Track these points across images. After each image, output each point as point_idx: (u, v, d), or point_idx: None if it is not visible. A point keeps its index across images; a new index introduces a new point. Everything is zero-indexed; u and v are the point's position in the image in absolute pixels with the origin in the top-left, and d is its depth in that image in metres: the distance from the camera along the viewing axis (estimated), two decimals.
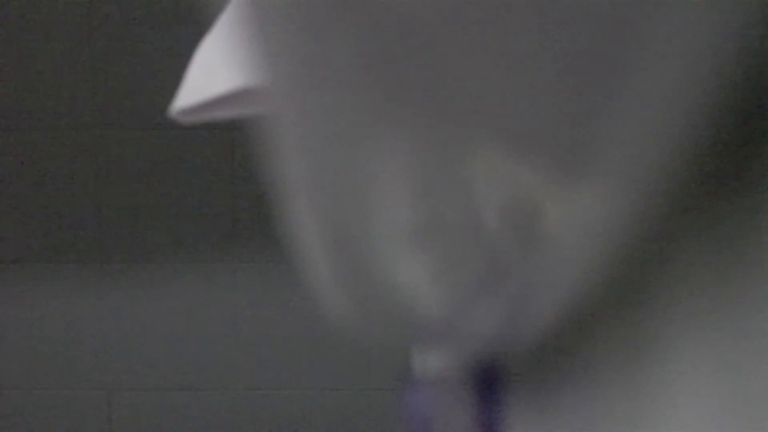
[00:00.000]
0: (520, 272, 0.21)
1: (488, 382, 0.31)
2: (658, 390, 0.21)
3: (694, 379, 0.20)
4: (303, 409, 1.53)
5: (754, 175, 0.18)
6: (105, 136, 1.49)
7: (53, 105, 1.48)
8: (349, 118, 0.17)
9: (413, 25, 0.15)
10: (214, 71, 0.37)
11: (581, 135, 0.17)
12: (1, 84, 1.48)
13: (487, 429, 0.32)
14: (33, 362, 1.54)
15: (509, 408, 0.31)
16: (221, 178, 1.49)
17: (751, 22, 0.16)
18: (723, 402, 0.19)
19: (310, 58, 0.16)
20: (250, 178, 1.49)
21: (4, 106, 1.48)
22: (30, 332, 1.53)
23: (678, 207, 0.20)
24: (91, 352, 1.53)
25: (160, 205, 1.50)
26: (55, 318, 1.52)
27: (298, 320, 1.52)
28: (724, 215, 0.19)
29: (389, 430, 1.52)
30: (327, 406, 1.53)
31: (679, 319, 0.21)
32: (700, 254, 0.20)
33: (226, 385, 1.53)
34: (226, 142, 1.49)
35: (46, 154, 1.49)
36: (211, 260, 1.51)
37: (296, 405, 1.53)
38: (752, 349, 0.18)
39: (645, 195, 0.19)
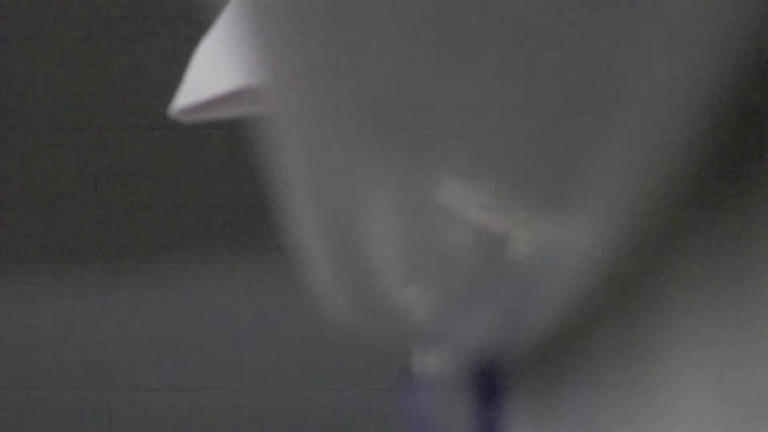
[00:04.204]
0: (519, 272, 0.21)
1: (488, 382, 0.31)
2: (658, 390, 0.21)
3: (694, 379, 0.20)
4: (303, 409, 1.53)
5: (754, 175, 0.18)
6: (105, 136, 1.49)
7: (53, 105, 1.48)
8: (349, 118, 0.17)
9: (410, 26, 0.15)
10: (214, 71, 0.37)
11: (564, 168, 0.17)
12: (1, 84, 1.48)
13: (487, 429, 0.32)
14: (33, 362, 1.54)
15: (509, 408, 0.31)
16: (221, 178, 1.49)
17: (751, 22, 0.16)
18: (723, 402, 0.19)
19: (310, 58, 0.16)
20: (250, 178, 1.49)
21: (4, 106, 1.48)
22: (30, 332, 1.53)
23: (678, 207, 0.20)
24: (91, 352, 1.53)
25: (160, 205, 1.50)
26: (55, 318, 1.52)
27: (298, 320, 1.52)
28: (724, 215, 0.19)
29: (389, 430, 1.52)
30: (327, 406, 1.53)
31: (679, 319, 0.21)
32: (700, 254, 0.20)
33: (226, 385, 1.53)
34: (226, 142, 1.49)
35: (46, 154, 1.49)
36: (211, 260, 1.51)
37: (296, 405, 1.53)
38: (752, 349, 0.18)
39: (636, 208, 0.19)
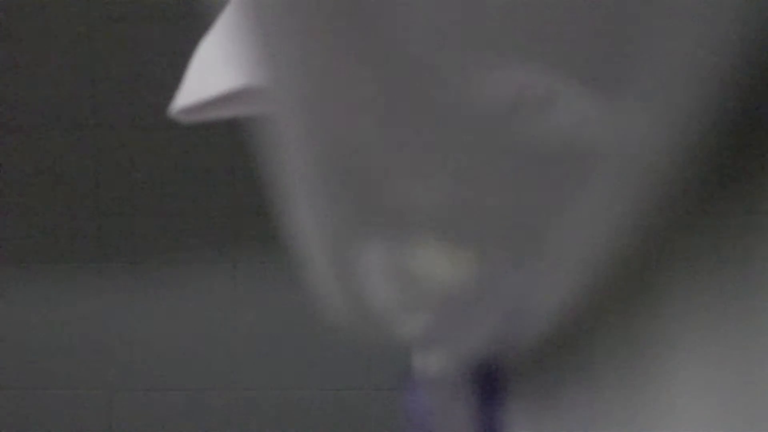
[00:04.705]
0: (518, 272, 0.21)
1: (488, 382, 0.31)
2: (658, 390, 0.21)
3: (694, 379, 0.20)
4: (303, 409, 1.53)
5: (755, 175, 0.18)
6: (105, 136, 1.49)
7: (53, 105, 1.48)
8: (348, 117, 0.17)
9: (410, 23, 0.15)
10: (214, 71, 0.37)
11: (534, 226, 0.17)
12: (1, 84, 1.48)
13: (487, 429, 0.32)
14: (33, 362, 1.54)
15: (509, 408, 0.31)
16: (221, 178, 1.49)
17: (752, 22, 0.16)
18: (723, 402, 0.19)
19: (310, 58, 0.16)
20: (250, 178, 1.49)
21: (4, 106, 1.48)
22: (30, 332, 1.53)
23: (678, 207, 0.20)
24: (91, 352, 1.53)
25: (160, 205, 1.50)
26: (55, 318, 1.52)
27: (298, 320, 1.52)
28: (724, 215, 0.19)
29: (389, 430, 1.52)
30: (327, 406, 1.53)
31: (679, 319, 0.21)
32: (700, 254, 0.20)
33: (226, 385, 1.53)
34: (226, 142, 1.49)
35: (46, 154, 1.49)
36: (211, 260, 1.51)
37: (296, 405, 1.53)
38: (752, 349, 0.18)
39: (649, 183, 0.19)
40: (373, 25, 0.14)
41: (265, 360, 1.53)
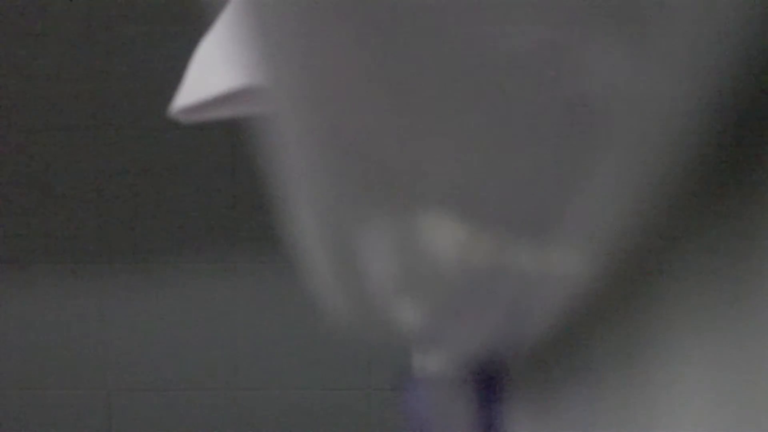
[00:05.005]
0: (518, 272, 0.21)
1: (488, 382, 0.31)
2: (658, 390, 0.21)
3: (694, 379, 0.20)
4: (303, 409, 1.53)
5: (755, 175, 0.18)
6: (105, 136, 1.49)
7: (53, 105, 1.48)
8: (348, 117, 0.17)
9: (411, 23, 0.15)
10: (214, 71, 0.37)
11: (546, 202, 0.17)
12: (1, 84, 1.48)
13: (487, 429, 0.32)
14: (33, 362, 1.54)
15: (509, 408, 0.31)
16: (221, 178, 1.49)
17: (751, 22, 0.16)
18: (723, 402, 0.19)
19: (310, 58, 0.16)
20: (250, 178, 1.49)
21: (4, 106, 1.48)
22: (30, 332, 1.53)
23: (678, 208, 0.20)
24: (91, 352, 1.53)
25: (160, 205, 1.50)
26: (55, 318, 1.52)
27: (297, 320, 1.52)
28: (724, 215, 0.19)
29: (389, 430, 1.52)
30: (327, 406, 1.53)
31: (679, 319, 0.21)
32: (700, 254, 0.20)
33: (226, 385, 1.53)
34: (226, 142, 1.49)
35: (46, 154, 1.49)
36: (211, 260, 1.51)
37: (296, 405, 1.53)
38: (752, 349, 0.18)
39: (649, 183, 0.19)
40: None
41: (265, 360, 1.53)
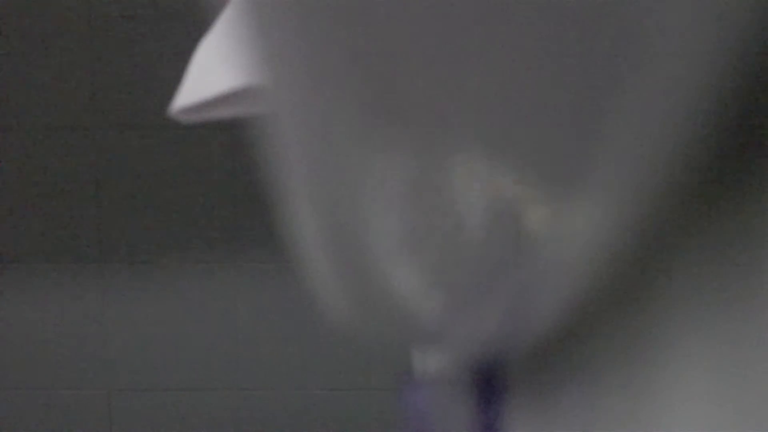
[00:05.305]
0: (516, 273, 0.21)
1: (488, 382, 0.31)
2: (658, 390, 0.21)
3: (694, 380, 0.20)
4: (303, 409, 1.53)
5: (754, 175, 0.18)
6: (105, 136, 1.49)
7: (53, 105, 1.48)
8: (348, 117, 0.17)
9: (409, 26, 0.15)
10: (214, 71, 0.37)
11: (574, 145, 0.16)
12: (1, 84, 1.48)
13: (487, 429, 0.32)
14: (33, 362, 1.54)
15: (509, 408, 0.31)
16: (221, 178, 1.49)
17: (752, 22, 0.16)
18: (722, 402, 0.19)
19: (310, 58, 0.16)
20: (250, 178, 1.49)
21: (4, 106, 1.48)
22: (30, 332, 1.53)
23: (678, 207, 0.20)
24: (91, 352, 1.53)
25: (160, 205, 1.50)
26: (55, 318, 1.52)
27: (298, 320, 1.52)
28: (724, 215, 0.19)
29: (389, 430, 1.52)
30: (327, 406, 1.53)
31: (679, 319, 0.21)
32: (700, 254, 0.20)
33: (226, 385, 1.53)
34: (226, 142, 1.49)
35: (46, 154, 1.49)
36: (211, 260, 1.51)
37: (296, 405, 1.53)
38: (752, 349, 0.18)
39: (639, 203, 0.19)
40: None
41: (265, 360, 1.53)
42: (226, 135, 1.49)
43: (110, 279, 1.52)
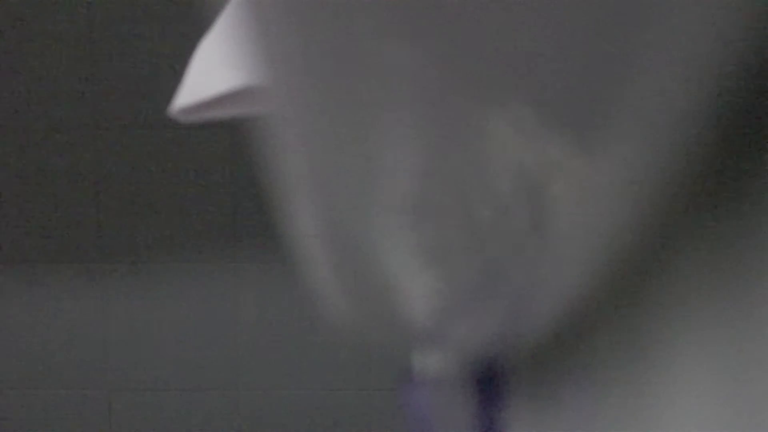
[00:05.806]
0: (519, 271, 0.21)
1: (488, 382, 0.31)
2: (658, 390, 0.21)
3: (694, 380, 0.20)
4: (303, 409, 1.53)
5: (754, 175, 0.18)
6: (105, 136, 1.49)
7: (53, 105, 1.48)
8: (348, 117, 0.17)
9: (409, 25, 0.15)
10: (214, 71, 0.37)
11: (595, 103, 0.16)
12: (1, 84, 1.48)
13: (487, 429, 0.32)
14: (33, 362, 1.54)
15: (509, 408, 0.31)
16: (221, 178, 1.49)
17: (751, 22, 0.16)
18: (723, 402, 0.19)
19: (310, 58, 0.16)
20: (250, 178, 1.49)
21: (4, 106, 1.48)
22: (30, 332, 1.53)
23: (678, 207, 0.20)
24: (91, 352, 1.53)
25: (160, 204, 1.50)
26: (55, 318, 1.52)
27: (298, 320, 1.52)
28: (724, 215, 0.19)
29: (389, 430, 1.52)
30: (327, 406, 1.53)
31: (679, 319, 0.21)
32: (700, 254, 0.20)
33: (226, 385, 1.53)
34: (226, 142, 1.49)
35: (46, 154, 1.49)
36: (211, 260, 1.51)
37: (296, 405, 1.53)
38: (752, 350, 0.18)
39: (651, 181, 0.19)
40: None
41: (265, 360, 1.53)
42: (226, 135, 1.49)
43: (110, 279, 1.52)
